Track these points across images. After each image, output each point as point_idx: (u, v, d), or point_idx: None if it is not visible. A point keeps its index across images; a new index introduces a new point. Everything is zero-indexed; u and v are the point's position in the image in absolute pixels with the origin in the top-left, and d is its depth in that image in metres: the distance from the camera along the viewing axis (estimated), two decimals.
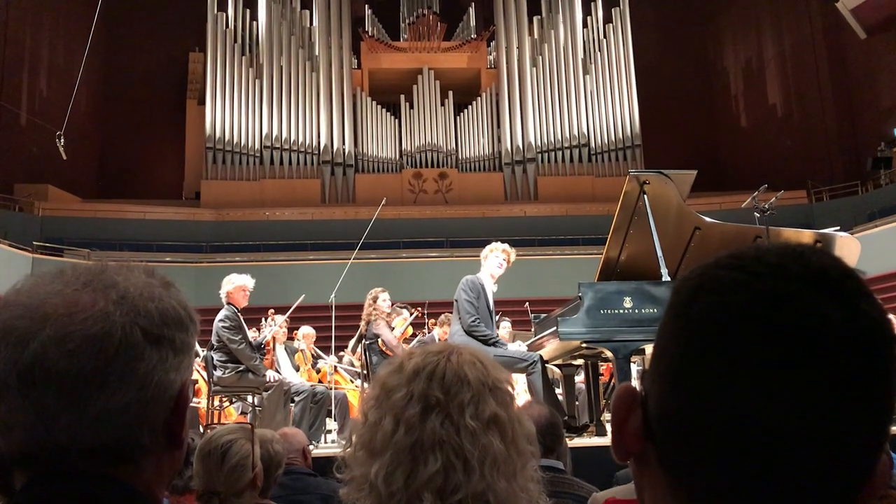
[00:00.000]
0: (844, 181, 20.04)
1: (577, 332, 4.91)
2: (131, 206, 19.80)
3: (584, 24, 23.38)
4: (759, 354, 0.50)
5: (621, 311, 4.90)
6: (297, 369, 8.02)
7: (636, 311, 4.88)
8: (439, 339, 7.28)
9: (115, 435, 0.70)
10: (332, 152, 21.51)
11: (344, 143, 21.66)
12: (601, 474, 3.06)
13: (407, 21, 23.25)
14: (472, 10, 23.65)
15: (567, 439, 2.71)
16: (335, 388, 7.23)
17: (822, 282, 0.52)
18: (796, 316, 0.51)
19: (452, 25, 23.64)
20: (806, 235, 6.04)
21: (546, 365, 5.51)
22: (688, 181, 5.61)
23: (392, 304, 7.15)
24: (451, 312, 5.90)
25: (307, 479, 2.84)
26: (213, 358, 6.13)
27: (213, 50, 21.69)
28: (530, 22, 23.37)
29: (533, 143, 21.99)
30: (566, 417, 5.70)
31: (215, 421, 6.35)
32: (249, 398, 6.35)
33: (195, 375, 6.90)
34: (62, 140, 10.79)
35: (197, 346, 6.01)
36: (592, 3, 23.46)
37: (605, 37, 23.17)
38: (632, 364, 5.59)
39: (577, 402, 6.62)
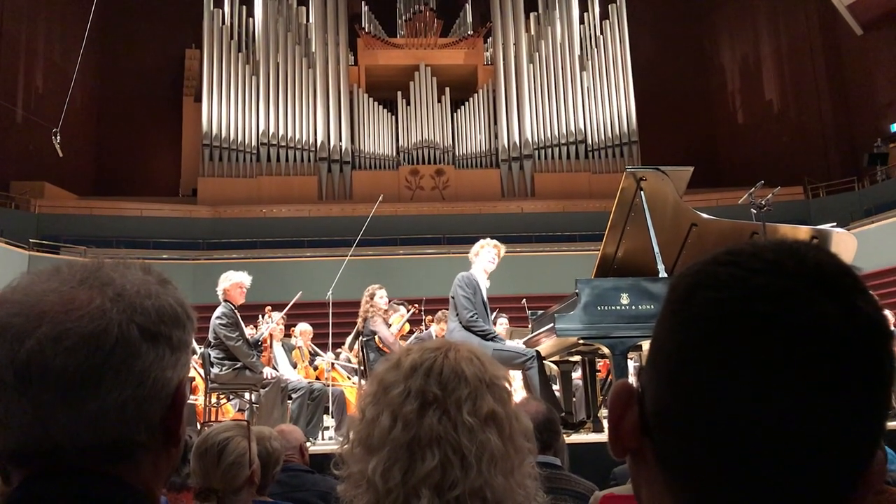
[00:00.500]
0: (841, 177, 20.06)
1: (574, 328, 4.91)
2: (128, 204, 19.77)
3: (581, 21, 23.38)
4: (756, 351, 0.51)
5: (618, 307, 4.90)
6: (295, 366, 8.02)
7: (633, 307, 4.89)
8: (436, 336, 7.29)
9: (112, 432, 0.70)
10: (329, 149, 21.49)
11: (341, 140, 21.64)
12: (598, 470, 3.07)
13: (403, 17, 23.23)
14: (468, 7, 23.63)
15: (564, 435, 2.72)
16: (332, 385, 7.23)
17: (818, 278, 0.52)
18: (793, 312, 0.51)
19: (449, 22, 23.63)
20: (802, 232, 6.04)
21: (543, 361, 5.52)
22: (684, 177, 5.61)
23: (389, 301, 7.14)
24: (448, 309, 5.91)
25: (305, 475, 2.85)
26: (210, 355, 6.12)
27: (209, 47, 21.64)
28: (527, 18, 23.36)
29: (530, 139, 22.00)
30: (563, 414, 5.71)
31: (212, 418, 6.35)
32: (247, 395, 6.35)
33: (192, 372, 6.90)
34: (58, 137, 10.76)
35: (194, 343, 6.02)
36: (589, 0, 23.46)
37: (601, 33, 23.17)
38: (629, 360, 5.60)
39: (574, 399, 6.63)
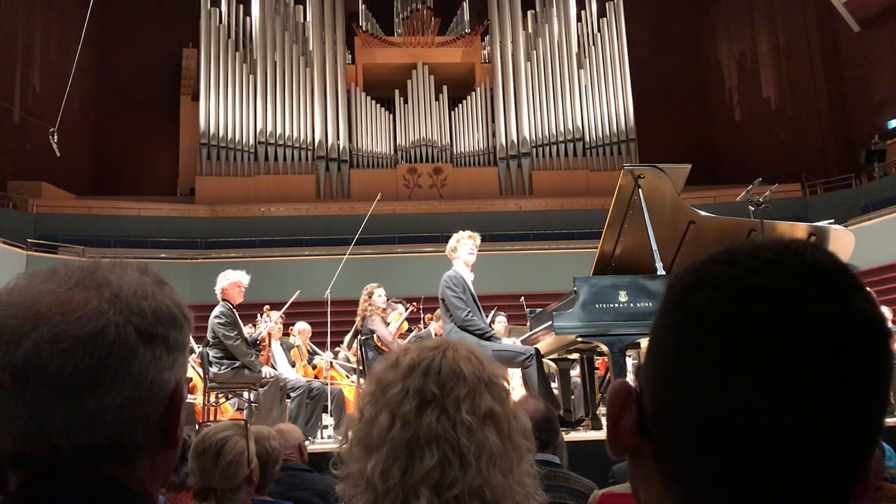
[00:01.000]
0: (838, 174, 20.08)
1: (573, 326, 4.92)
2: (125, 203, 19.75)
3: (578, 19, 23.39)
4: (754, 349, 0.51)
5: (616, 305, 4.91)
6: (293, 365, 8.02)
7: (631, 305, 4.89)
8: (435, 334, 7.28)
9: (110, 434, 0.70)
10: (327, 148, 21.48)
11: (338, 139, 21.64)
12: (597, 468, 3.06)
13: (401, 16, 23.22)
14: (465, 5, 23.62)
15: (563, 433, 2.72)
16: (331, 384, 7.23)
17: (816, 277, 0.52)
18: (791, 311, 0.51)
19: (446, 20, 23.62)
20: (800, 228, 6.05)
21: (542, 359, 5.51)
22: (682, 175, 5.62)
23: (387, 300, 7.14)
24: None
25: (303, 475, 2.85)
26: (208, 354, 6.12)
27: (206, 46, 21.62)
28: (524, 16, 23.36)
29: (527, 137, 22.00)
30: (562, 412, 5.71)
31: (211, 418, 6.35)
32: (245, 394, 6.35)
33: (191, 372, 6.89)
34: (55, 137, 10.74)
35: (192, 343, 6.02)
36: None
37: (599, 31, 23.18)
38: (627, 358, 5.61)
39: (572, 397, 6.63)
